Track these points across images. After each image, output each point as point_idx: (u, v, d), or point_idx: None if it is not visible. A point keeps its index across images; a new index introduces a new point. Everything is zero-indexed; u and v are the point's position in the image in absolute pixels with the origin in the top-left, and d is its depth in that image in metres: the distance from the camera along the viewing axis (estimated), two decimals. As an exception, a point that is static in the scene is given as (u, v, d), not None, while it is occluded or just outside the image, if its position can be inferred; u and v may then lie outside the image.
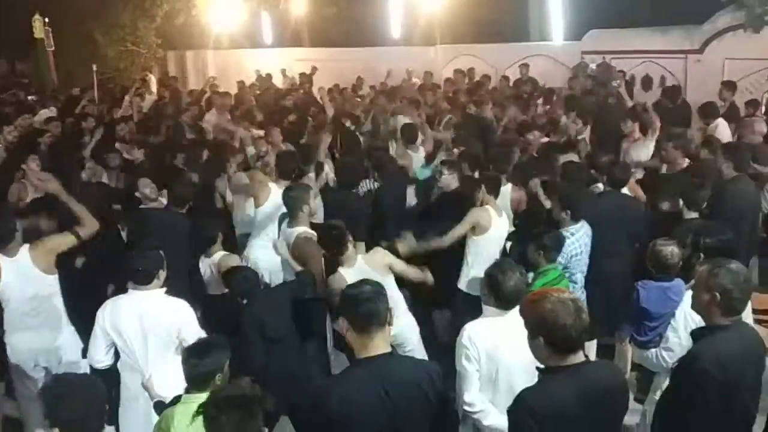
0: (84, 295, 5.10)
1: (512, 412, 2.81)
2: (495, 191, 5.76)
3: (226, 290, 5.46)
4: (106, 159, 7.80)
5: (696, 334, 3.30)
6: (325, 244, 4.97)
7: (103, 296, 4.66)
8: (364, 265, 4.88)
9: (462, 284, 5.68)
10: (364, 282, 3.22)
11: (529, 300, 2.90)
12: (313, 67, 15.58)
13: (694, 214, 5.41)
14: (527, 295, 2.99)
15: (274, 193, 6.15)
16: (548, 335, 2.75)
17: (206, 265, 5.58)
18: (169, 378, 3.98)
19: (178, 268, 5.19)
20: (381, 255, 5.05)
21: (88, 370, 4.56)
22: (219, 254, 5.57)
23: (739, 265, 3.21)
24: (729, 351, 3.08)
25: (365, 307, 2.98)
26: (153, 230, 5.82)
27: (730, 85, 9.83)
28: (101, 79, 14.78)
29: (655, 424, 3.43)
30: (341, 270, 4.82)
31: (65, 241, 4.86)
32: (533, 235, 4.94)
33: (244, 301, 4.82)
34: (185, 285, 5.41)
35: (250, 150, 8.59)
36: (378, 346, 2.97)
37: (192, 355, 3.45)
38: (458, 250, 5.67)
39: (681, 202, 5.46)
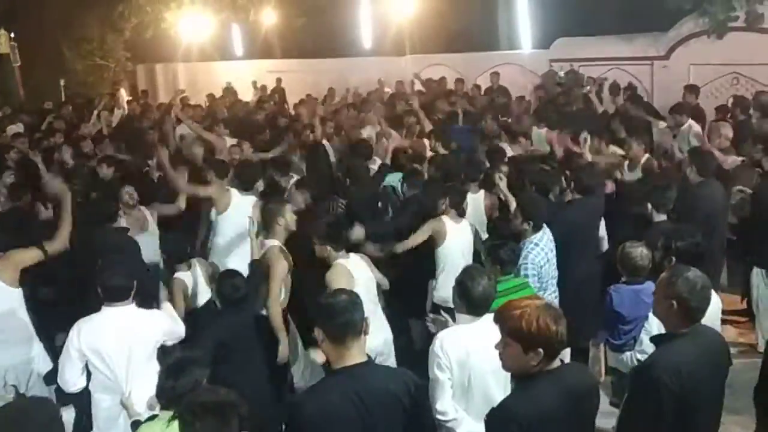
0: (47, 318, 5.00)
1: (495, 419, 2.79)
2: (457, 205, 5.82)
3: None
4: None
5: (655, 341, 3.33)
6: (329, 234, 4.88)
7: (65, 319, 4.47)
8: (357, 257, 4.97)
9: (435, 297, 5.72)
10: (339, 292, 3.21)
11: (515, 315, 2.78)
12: (278, 78, 15.59)
13: (663, 217, 5.49)
14: (508, 308, 2.90)
15: (236, 200, 6.14)
16: (547, 346, 2.74)
17: (188, 276, 5.54)
18: (148, 394, 3.90)
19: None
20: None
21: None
22: (195, 261, 5.67)
23: (697, 273, 3.22)
24: (685, 359, 3.09)
25: (341, 317, 2.95)
26: (101, 251, 5.56)
27: (692, 89, 10.00)
28: (69, 94, 14.62)
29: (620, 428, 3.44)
30: (340, 261, 4.80)
31: (31, 255, 4.71)
32: (490, 249, 4.93)
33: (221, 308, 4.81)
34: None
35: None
36: (354, 355, 2.96)
37: (169, 376, 3.38)
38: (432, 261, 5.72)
39: (649, 205, 5.54)
